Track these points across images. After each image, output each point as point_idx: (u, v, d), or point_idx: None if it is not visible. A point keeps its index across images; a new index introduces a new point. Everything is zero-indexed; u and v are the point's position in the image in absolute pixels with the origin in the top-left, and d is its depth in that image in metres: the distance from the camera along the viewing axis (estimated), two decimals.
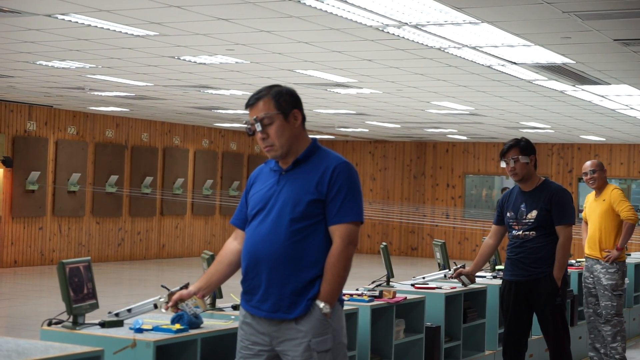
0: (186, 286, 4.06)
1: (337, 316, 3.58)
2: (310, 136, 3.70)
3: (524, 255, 6.10)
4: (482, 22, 7.17)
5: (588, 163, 7.88)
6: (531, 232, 6.08)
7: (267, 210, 3.60)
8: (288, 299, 3.53)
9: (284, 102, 3.61)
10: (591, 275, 7.91)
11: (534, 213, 6.07)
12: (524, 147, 6.11)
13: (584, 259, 8.33)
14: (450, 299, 6.95)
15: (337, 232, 3.53)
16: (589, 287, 7.96)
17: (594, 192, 7.97)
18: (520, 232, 6.12)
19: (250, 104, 3.64)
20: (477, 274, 7.09)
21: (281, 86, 3.67)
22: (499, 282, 7.45)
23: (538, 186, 6.15)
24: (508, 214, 6.21)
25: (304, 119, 3.68)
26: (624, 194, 7.88)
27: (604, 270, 7.77)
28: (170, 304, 3.98)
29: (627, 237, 7.72)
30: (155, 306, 4.48)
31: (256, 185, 3.73)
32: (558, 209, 6.04)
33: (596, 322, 7.94)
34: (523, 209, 6.12)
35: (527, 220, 6.09)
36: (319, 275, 3.53)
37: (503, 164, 6.15)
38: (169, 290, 4.22)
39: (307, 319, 3.51)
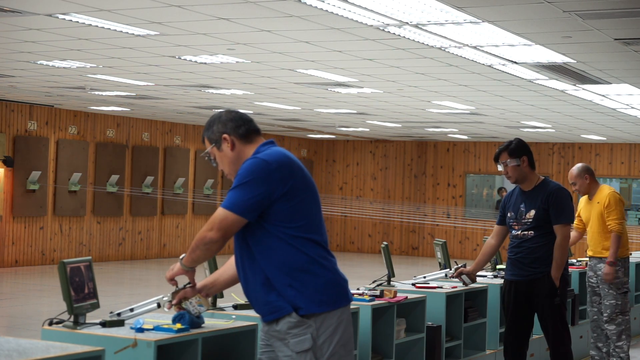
0: (190, 285, 4.06)
1: (323, 321, 3.56)
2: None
3: (523, 255, 6.10)
4: (483, 21, 7.17)
5: (571, 173, 7.82)
6: (529, 232, 6.08)
7: None
8: (264, 307, 3.58)
9: (212, 134, 3.72)
10: (595, 275, 7.89)
11: (532, 212, 6.07)
12: (512, 150, 6.10)
13: (586, 258, 8.30)
14: (451, 298, 6.95)
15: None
16: (593, 287, 7.95)
17: None
18: (519, 232, 6.12)
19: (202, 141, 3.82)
20: (478, 273, 7.10)
21: (214, 115, 3.76)
22: (499, 281, 7.46)
23: (537, 185, 6.15)
24: (509, 215, 6.21)
25: (242, 135, 3.68)
26: (617, 199, 7.75)
27: None
28: (174, 301, 4.00)
29: (615, 247, 7.65)
30: (159, 305, 4.47)
31: None
32: (555, 208, 6.03)
33: (599, 322, 7.93)
34: (522, 209, 6.12)
35: (525, 220, 6.09)
36: (275, 278, 3.53)
37: (499, 167, 6.18)
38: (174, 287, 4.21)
39: (282, 321, 3.53)
